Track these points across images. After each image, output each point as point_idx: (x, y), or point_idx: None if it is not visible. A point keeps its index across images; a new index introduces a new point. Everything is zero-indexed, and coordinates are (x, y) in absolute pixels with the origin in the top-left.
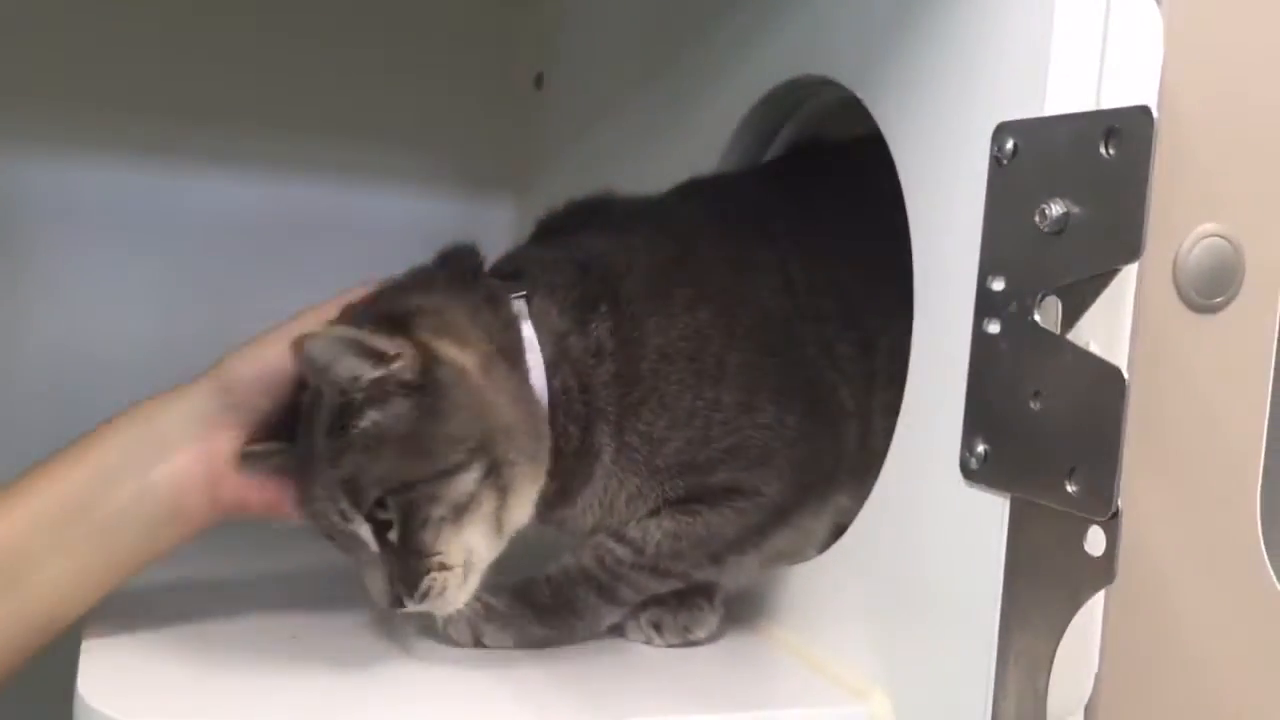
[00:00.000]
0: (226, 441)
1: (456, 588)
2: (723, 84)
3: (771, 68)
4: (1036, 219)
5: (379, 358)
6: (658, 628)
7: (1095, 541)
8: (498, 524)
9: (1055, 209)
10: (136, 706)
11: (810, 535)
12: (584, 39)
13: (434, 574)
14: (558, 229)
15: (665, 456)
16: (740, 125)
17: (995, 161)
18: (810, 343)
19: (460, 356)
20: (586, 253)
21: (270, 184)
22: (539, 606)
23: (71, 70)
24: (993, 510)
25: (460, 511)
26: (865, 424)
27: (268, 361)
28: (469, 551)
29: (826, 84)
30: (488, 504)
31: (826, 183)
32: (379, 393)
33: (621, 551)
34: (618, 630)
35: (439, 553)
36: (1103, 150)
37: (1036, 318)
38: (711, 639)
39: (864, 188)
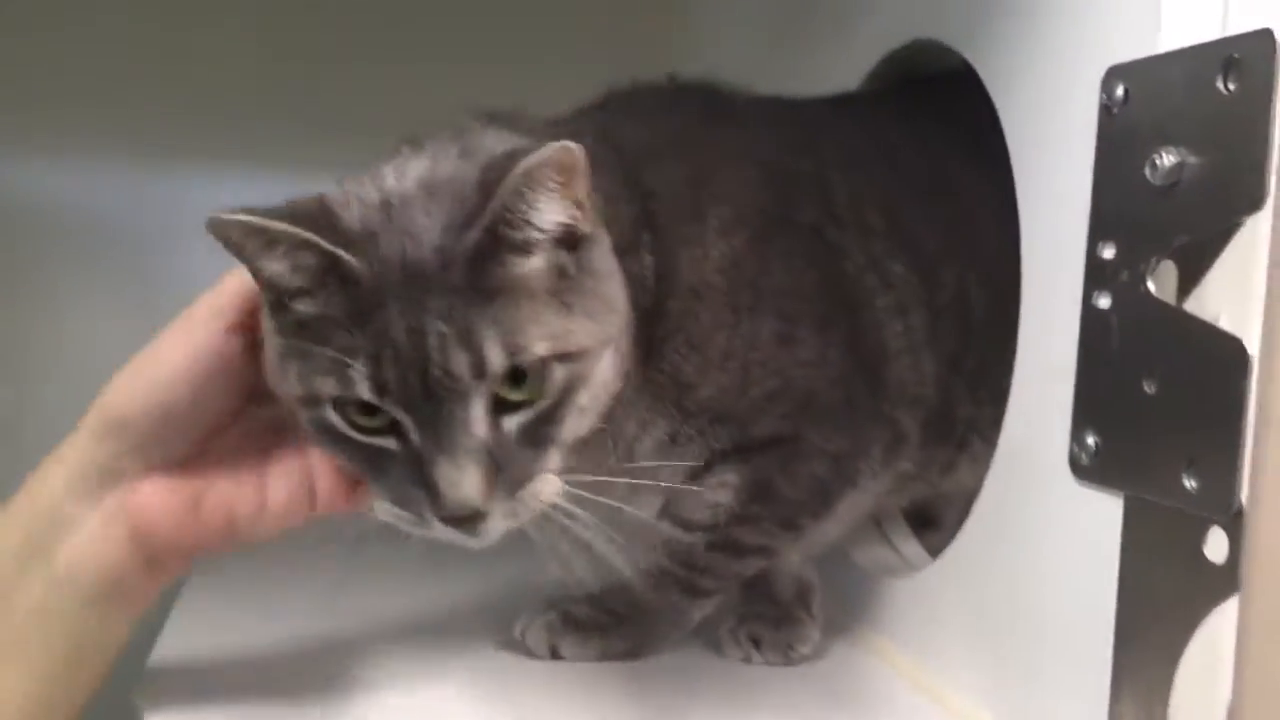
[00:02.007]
0: (144, 489)
1: (543, 504)
2: (842, 51)
3: (885, 32)
4: (1147, 172)
5: (575, 202)
6: (757, 643)
7: (1216, 546)
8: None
9: (1167, 159)
10: None
11: (872, 496)
12: (713, 33)
13: (546, 477)
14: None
15: (698, 401)
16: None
17: (1105, 111)
18: (852, 256)
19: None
20: (633, 156)
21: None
22: (620, 615)
23: (156, 83)
24: (1105, 512)
25: (595, 402)
26: (917, 363)
27: (159, 380)
28: (560, 485)
29: (941, 49)
30: (601, 403)
31: (906, 114)
32: (551, 237)
33: (691, 537)
34: (713, 647)
35: (557, 449)
36: (1220, 86)
37: (1150, 286)
38: (815, 654)
39: (952, 124)
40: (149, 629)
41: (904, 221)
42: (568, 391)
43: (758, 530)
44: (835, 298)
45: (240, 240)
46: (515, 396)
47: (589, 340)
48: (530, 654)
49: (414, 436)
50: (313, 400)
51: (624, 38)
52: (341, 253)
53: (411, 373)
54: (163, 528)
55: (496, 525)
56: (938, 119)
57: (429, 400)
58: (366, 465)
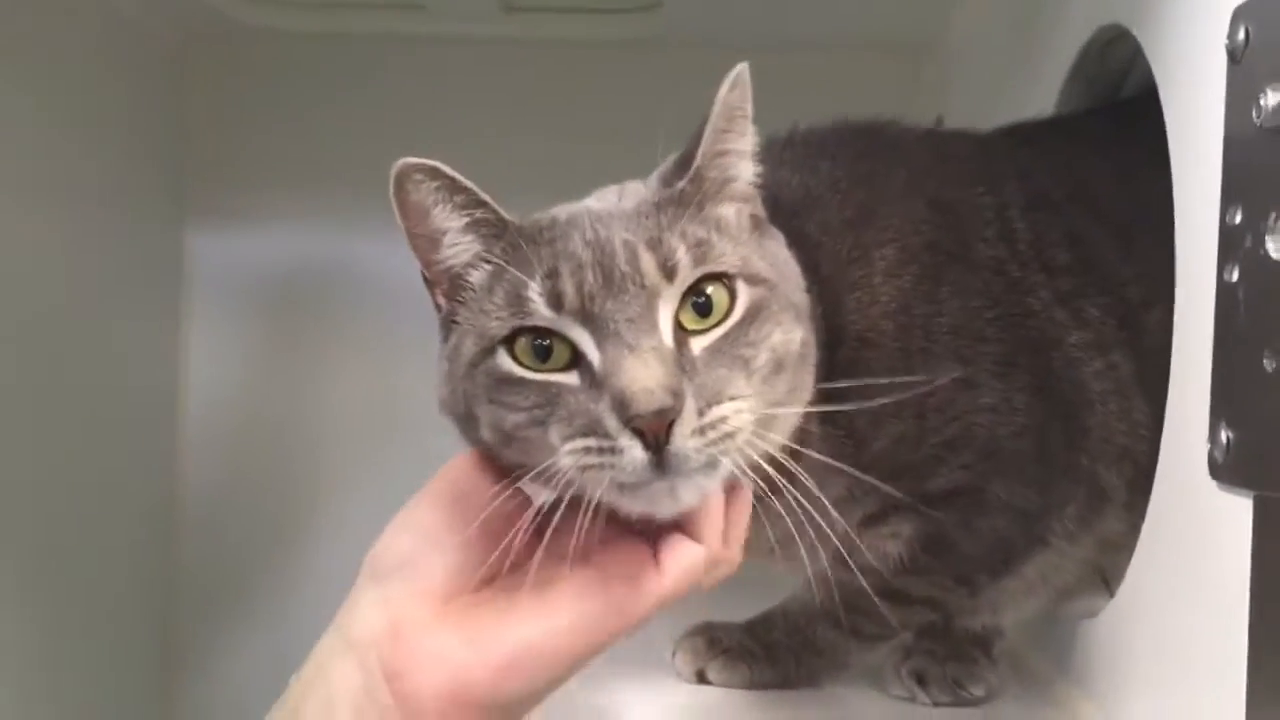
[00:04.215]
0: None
1: (741, 444)
2: (1049, 55)
3: (1078, 24)
4: (1254, 114)
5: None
6: (921, 680)
7: None
8: (773, 413)
9: (1273, 97)
10: None
11: (1073, 560)
12: (980, 83)
13: (738, 403)
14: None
15: (873, 454)
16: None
17: (1230, 58)
18: (1037, 291)
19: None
20: (791, 207)
21: None
22: (772, 644)
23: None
24: (1238, 518)
25: (785, 357)
26: (1127, 409)
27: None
28: (752, 416)
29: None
30: (789, 374)
31: (1105, 143)
32: (737, 195)
33: (856, 580)
34: (876, 682)
35: (748, 375)
36: None
37: (1270, 247)
38: (989, 697)
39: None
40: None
41: (1097, 261)
42: (755, 315)
43: (927, 582)
44: (1019, 336)
45: (422, 186)
46: (699, 326)
47: (773, 276)
48: (679, 676)
49: (592, 355)
50: (487, 351)
51: (872, 74)
52: (511, 218)
53: (593, 276)
54: (431, 669)
55: (687, 447)
56: (1141, 147)
57: (611, 303)
58: (545, 406)
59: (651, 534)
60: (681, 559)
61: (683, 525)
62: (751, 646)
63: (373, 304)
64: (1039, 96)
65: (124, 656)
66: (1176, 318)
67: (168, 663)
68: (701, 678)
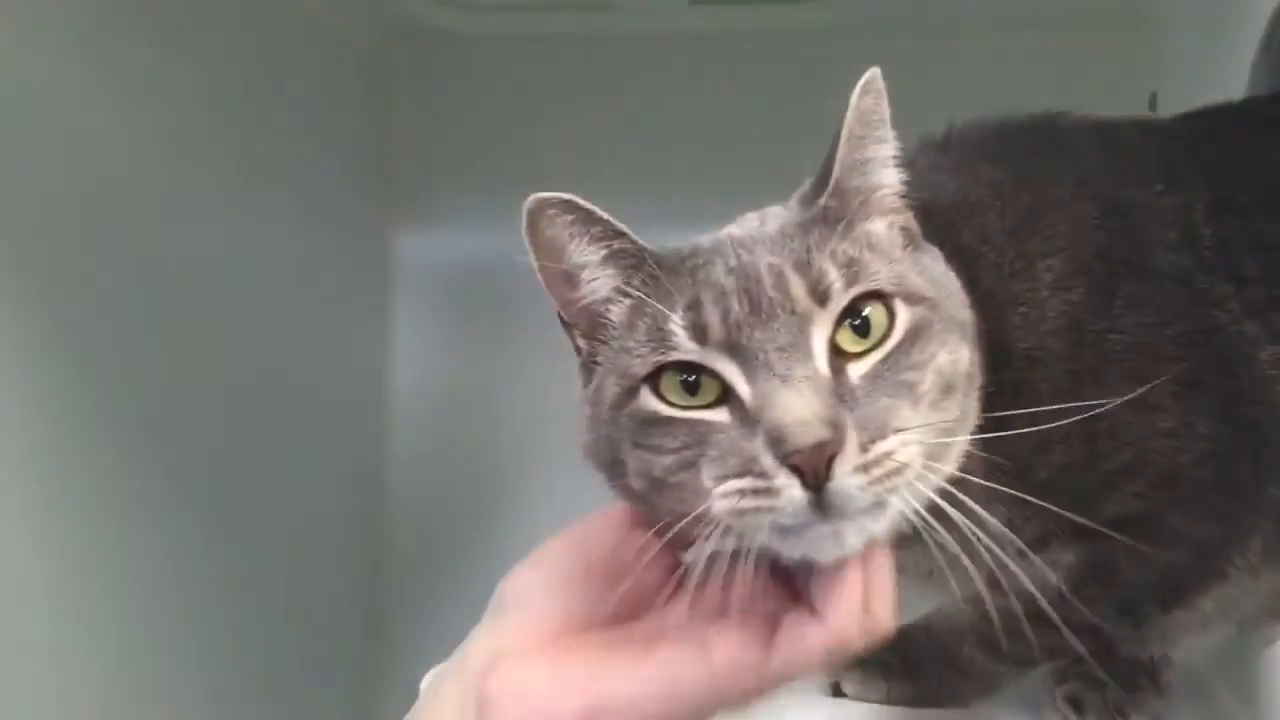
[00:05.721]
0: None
1: (910, 480)
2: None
3: None
4: None
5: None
6: (1078, 707)
7: None
8: (943, 442)
9: None
10: None
11: (1257, 594)
12: (1196, 56)
13: (904, 435)
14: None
15: (1038, 482)
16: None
17: None
18: (1226, 303)
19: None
20: (946, 215)
21: None
22: (914, 659)
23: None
24: None
25: (953, 378)
26: None
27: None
28: (920, 449)
29: None
30: (959, 396)
31: None
32: (885, 207)
33: (1008, 603)
34: (1027, 705)
35: (913, 403)
36: None
37: None
38: None
39: None
40: None
41: None
42: (917, 336)
43: (1085, 609)
44: (1204, 354)
45: (557, 221)
46: (857, 348)
47: (933, 293)
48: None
49: (742, 389)
50: (630, 391)
51: (1071, 52)
52: (649, 246)
53: (739, 304)
54: (514, 702)
55: (850, 485)
56: None
57: (760, 332)
58: (695, 446)
59: (784, 597)
60: (797, 642)
61: (815, 597)
62: (890, 660)
63: None
64: (1233, 73)
65: (335, 640)
66: None
67: (376, 647)
68: (837, 690)
